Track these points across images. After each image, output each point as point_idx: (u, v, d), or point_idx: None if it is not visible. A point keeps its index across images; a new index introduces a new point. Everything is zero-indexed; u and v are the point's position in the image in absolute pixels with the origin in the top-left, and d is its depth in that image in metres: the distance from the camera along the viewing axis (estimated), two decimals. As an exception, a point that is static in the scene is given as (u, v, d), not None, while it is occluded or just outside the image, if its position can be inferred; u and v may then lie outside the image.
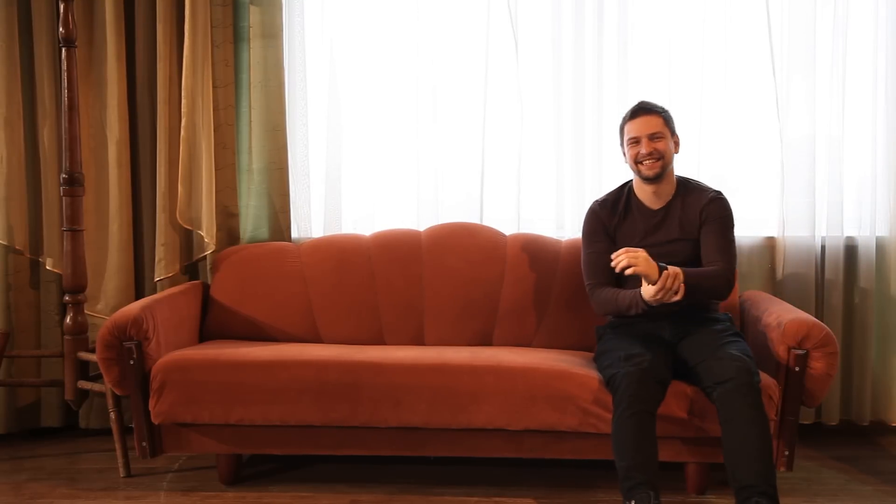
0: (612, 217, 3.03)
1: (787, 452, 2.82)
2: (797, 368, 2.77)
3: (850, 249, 3.61)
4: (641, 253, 2.69)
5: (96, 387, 3.27)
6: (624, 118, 3.02)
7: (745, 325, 3.20)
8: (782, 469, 2.82)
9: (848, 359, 3.60)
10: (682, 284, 2.67)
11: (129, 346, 2.88)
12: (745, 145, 3.63)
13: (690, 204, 2.98)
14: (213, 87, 3.53)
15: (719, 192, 3.01)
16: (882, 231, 3.59)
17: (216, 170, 3.55)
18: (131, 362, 2.89)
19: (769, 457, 2.54)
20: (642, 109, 2.96)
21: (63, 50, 3.31)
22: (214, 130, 3.54)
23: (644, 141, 2.92)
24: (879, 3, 3.54)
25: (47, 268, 3.61)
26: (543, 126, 3.68)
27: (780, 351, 2.81)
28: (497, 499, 2.94)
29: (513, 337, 3.36)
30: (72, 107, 3.31)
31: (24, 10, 3.56)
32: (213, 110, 3.53)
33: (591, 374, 2.84)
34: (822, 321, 2.94)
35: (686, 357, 2.81)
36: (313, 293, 3.43)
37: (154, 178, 3.59)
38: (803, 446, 3.37)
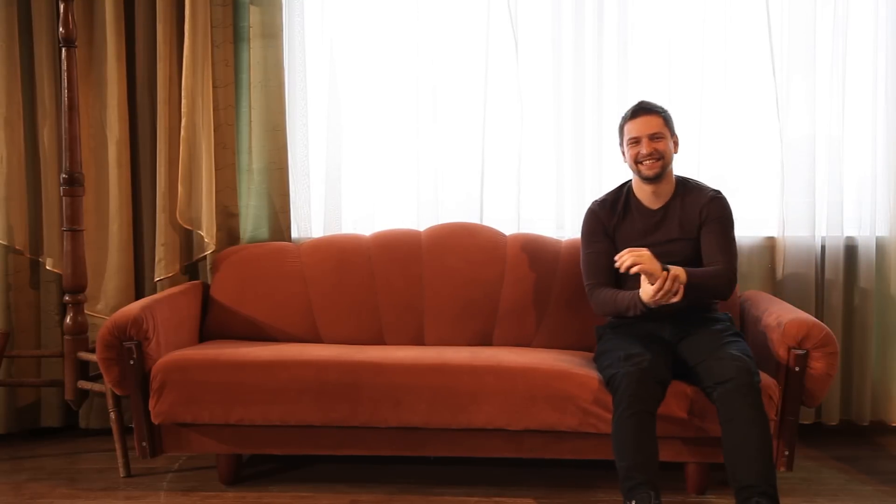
0: (612, 217, 3.03)
1: (787, 452, 2.82)
2: (797, 368, 2.77)
3: (850, 249, 3.61)
4: (645, 252, 2.69)
5: (96, 387, 3.27)
6: (623, 118, 3.02)
7: (745, 325, 3.20)
8: (782, 469, 2.82)
9: (848, 359, 3.60)
10: (681, 286, 2.67)
11: (129, 346, 2.88)
12: (745, 145, 3.63)
13: (690, 203, 2.98)
14: (213, 87, 3.53)
15: (718, 192, 3.01)
16: (882, 231, 3.59)
17: (216, 170, 3.55)
18: (131, 362, 2.89)
19: (769, 457, 2.54)
20: (642, 109, 2.96)
21: (63, 50, 3.31)
22: (214, 130, 3.54)
23: (644, 141, 2.92)
24: (879, 3, 3.54)
25: (47, 268, 3.61)
26: (543, 126, 3.68)
27: (780, 351, 2.81)
28: (497, 499, 2.94)
29: (513, 337, 3.36)
30: (72, 107, 3.31)
31: (24, 10, 3.57)
32: (213, 110, 3.53)
33: (591, 374, 2.85)
34: (822, 321, 2.94)
35: (686, 357, 2.81)
36: (313, 293, 3.43)
37: (154, 178, 3.59)
38: (803, 446, 3.37)
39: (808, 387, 2.79)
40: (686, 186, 3.03)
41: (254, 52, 3.54)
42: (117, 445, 3.17)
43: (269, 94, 3.55)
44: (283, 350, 3.09)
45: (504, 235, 3.51)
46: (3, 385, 3.54)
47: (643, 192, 3.02)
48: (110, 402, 3.16)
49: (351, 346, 3.26)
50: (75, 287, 3.34)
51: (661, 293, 2.66)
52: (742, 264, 3.51)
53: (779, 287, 3.57)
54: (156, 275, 3.56)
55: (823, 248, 3.59)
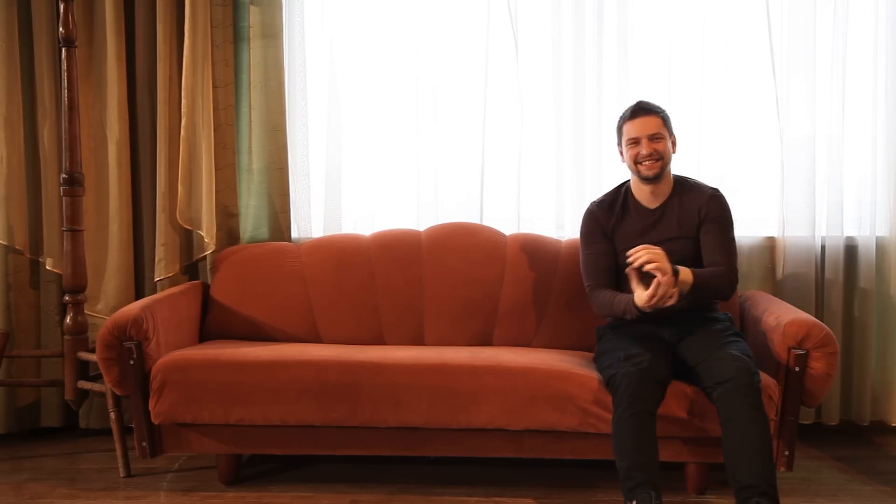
0: (610, 217, 3.04)
1: (787, 452, 2.82)
2: (797, 368, 2.77)
3: (850, 249, 3.61)
4: (661, 251, 2.71)
5: (96, 387, 3.27)
6: (622, 118, 3.02)
7: (745, 325, 3.20)
8: (782, 469, 2.82)
9: (848, 359, 3.60)
10: (676, 290, 2.68)
11: (129, 346, 2.88)
12: (745, 145, 3.63)
13: (688, 203, 2.98)
14: (213, 87, 3.53)
15: (716, 190, 3.02)
16: (882, 231, 3.59)
17: (216, 170, 3.55)
18: (131, 362, 2.89)
19: (769, 457, 2.54)
20: (642, 110, 2.96)
21: (63, 50, 3.31)
22: (214, 130, 3.54)
23: (644, 142, 2.92)
24: (879, 3, 3.54)
25: (47, 268, 3.61)
26: (543, 126, 3.68)
27: (780, 351, 2.81)
28: (497, 499, 2.94)
29: (513, 337, 3.36)
30: (72, 107, 3.31)
31: (24, 10, 3.57)
32: (213, 110, 3.53)
33: (591, 375, 2.84)
34: (822, 321, 2.94)
35: (686, 357, 2.82)
36: (313, 293, 3.43)
37: (154, 178, 3.59)
38: (803, 446, 3.37)
39: (808, 387, 2.79)
40: (684, 186, 3.03)
41: (254, 52, 3.54)
42: (117, 445, 3.17)
43: (269, 94, 3.55)
44: (283, 350, 3.09)
45: (504, 235, 3.51)
46: (3, 385, 3.54)
47: (641, 192, 3.02)
48: (110, 402, 3.16)
49: (351, 346, 3.26)
50: (75, 287, 3.34)
51: (655, 299, 2.66)
52: (742, 264, 3.51)
53: (779, 287, 3.57)
54: (156, 275, 3.56)
55: (823, 248, 3.59)
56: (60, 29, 3.29)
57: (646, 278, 2.73)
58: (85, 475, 3.20)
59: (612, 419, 2.66)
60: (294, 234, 3.69)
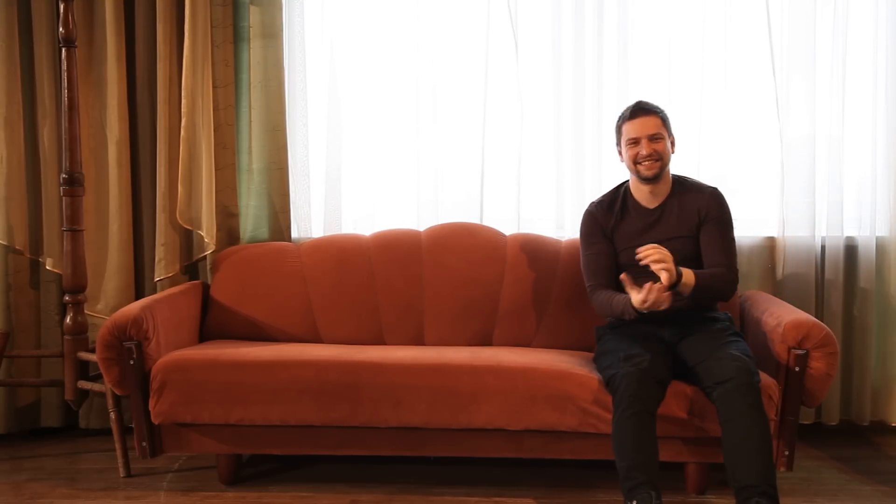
0: (609, 218, 3.04)
1: (787, 452, 2.82)
2: (797, 368, 2.77)
3: (850, 249, 3.61)
4: (668, 252, 2.71)
5: (96, 387, 3.27)
6: (621, 118, 3.02)
7: (745, 325, 3.20)
8: (782, 469, 2.82)
9: (848, 359, 3.60)
10: (668, 294, 2.68)
11: (129, 346, 2.88)
12: (745, 145, 3.63)
13: (688, 202, 2.99)
14: (213, 87, 3.53)
15: (715, 189, 3.02)
16: (882, 231, 3.59)
17: (216, 170, 3.55)
18: (131, 362, 2.89)
19: (769, 457, 2.54)
20: (641, 110, 2.96)
21: (63, 50, 3.31)
22: (214, 130, 3.54)
23: (644, 142, 2.92)
24: (879, 3, 3.54)
25: (47, 268, 3.61)
26: (543, 126, 3.68)
27: (780, 351, 2.81)
28: (497, 499, 2.94)
29: (513, 337, 3.36)
30: (72, 107, 3.31)
31: (24, 10, 3.56)
32: (213, 110, 3.53)
33: (591, 375, 2.85)
34: (821, 321, 2.93)
35: (686, 357, 2.82)
36: (313, 293, 3.43)
37: (154, 178, 3.59)
38: (803, 446, 3.37)
39: (808, 387, 2.79)
40: (683, 185, 3.04)
41: (254, 52, 3.54)
42: (117, 445, 3.17)
43: (269, 94, 3.55)
44: (283, 350, 3.09)
45: (504, 235, 3.51)
46: (3, 385, 3.54)
47: (640, 192, 3.02)
48: (110, 402, 3.16)
49: (351, 346, 3.26)
50: (75, 287, 3.34)
51: (647, 304, 2.67)
52: (742, 264, 3.51)
53: (779, 287, 3.57)
54: (156, 275, 3.56)
55: (823, 248, 3.59)
56: (60, 29, 3.29)
57: (639, 279, 2.73)
58: (85, 475, 3.20)
59: (612, 419, 2.66)
60: (294, 234, 3.69)
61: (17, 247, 3.59)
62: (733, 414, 2.56)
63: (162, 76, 3.53)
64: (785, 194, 3.57)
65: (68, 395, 3.35)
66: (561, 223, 3.68)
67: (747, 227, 3.56)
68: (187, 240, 3.63)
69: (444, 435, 2.90)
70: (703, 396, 2.73)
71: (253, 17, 3.53)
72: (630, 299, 2.76)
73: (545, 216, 3.71)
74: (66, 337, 3.34)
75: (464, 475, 3.13)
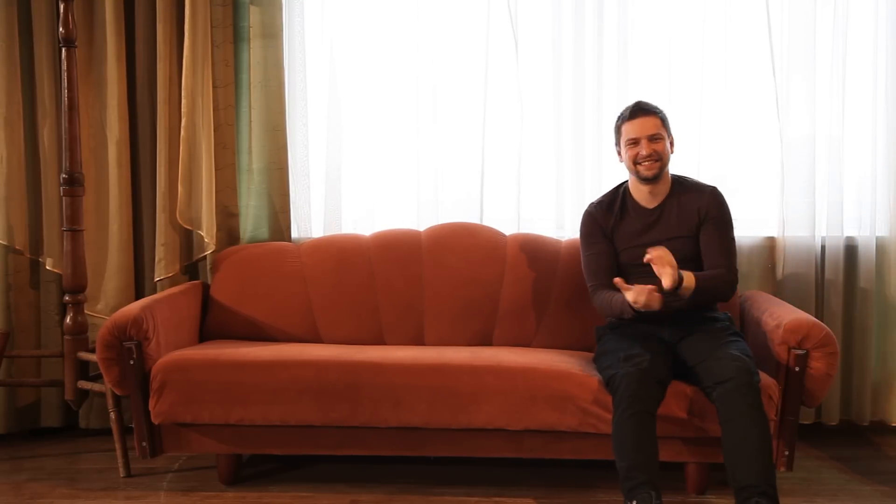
0: (609, 218, 3.04)
1: (787, 452, 2.82)
2: (797, 368, 2.77)
3: (850, 249, 3.61)
4: (674, 261, 2.71)
5: (96, 387, 3.27)
6: (621, 118, 3.01)
7: (745, 325, 3.20)
8: (782, 469, 2.82)
9: (848, 359, 3.60)
10: (659, 296, 2.68)
11: (129, 346, 2.88)
12: (745, 145, 3.63)
13: (687, 202, 2.99)
14: (213, 87, 3.53)
15: (715, 188, 3.02)
16: (882, 231, 3.59)
17: (216, 170, 3.55)
18: (131, 362, 2.89)
19: (769, 456, 2.54)
20: (641, 110, 2.96)
21: (63, 50, 3.31)
22: (214, 130, 3.54)
23: (644, 142, 2.92)
24: (879, 3, 3.54)
25: (47, 268, 3.61)
26: (543, 126, 3.68)
27: (780, 351, 2.81)
28: (497, 499, 2.94)
29: (513, 337, 3.36)
30: (72, 107, 3.31)
31: (24, 10, 3.57)
32: (213, 110, 3.53)
33: (591, 375, 2.85)
34: (821, 321, 2.93)
35: (686, 357, 2.82)
36: (313, 293, 3.43)
37: (154, 178, 3.59)
38: (803, 446, 3.37)
39: (808, 387, 2.79)
40: (682, 185, 3.04)
41: (254, 52, 3.54)
42: (117, 445, 3.17)
43: (269, 94, 3.55)
44: (283, 350, 3.09)
45: (504, 235, 3.51)
46: (3, 385, 3.54)
47: (640, 192, 3.02)
48: (110, 402, 3.16)
49: (351, 346, 3.26)
50: (75, 287, 3.34)
51: (639, 305, 2.68)
52: (742, 264, 3.51)
53: (779, 287, 3.57)
54: (156, 275, 3.56)
55: (823, 248, 3.59)
56: (60, 29, 3.29)
57: (639, 280, 2.73)
58: (85, 475, 3.20)
59: (612, 419, 2.66)
60: (294, 234, 3.69)
61: (17, 247, 3.59)
62: (733, 414, 2.56)
63: (162, 76, 3.53)
64: (785, 194, 3.57)
65: (68, 395, 3.35)
66: (561, 223, 3.68)
67: (747, 227, 3.56)
68: (187, 240, 3.63)
69: (444, 435, 2.90)
70: (702, 396, 2.73)
71: (253, 17, 3.53)
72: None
73: (545, 216, 3.71)
74: (66, 337, 3.34)
75: (464, 475, 3.13)
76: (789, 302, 3.26)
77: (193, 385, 2.89)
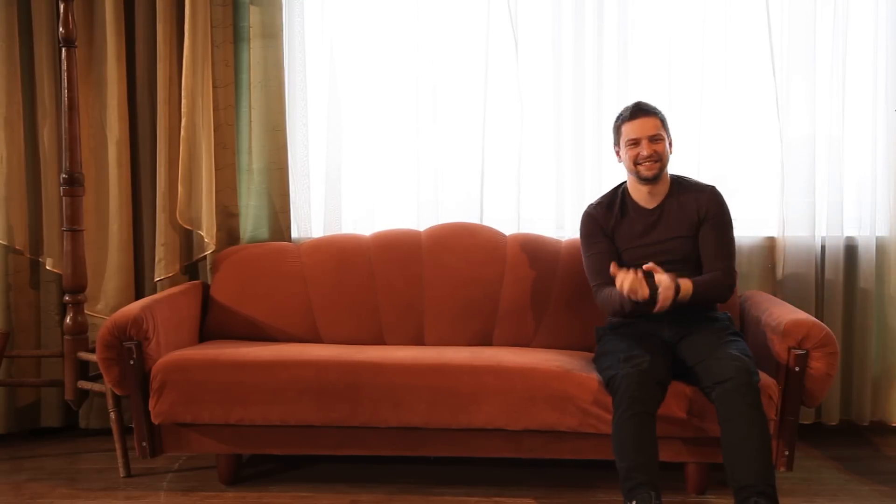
0: (609, 218, 3.04)
1: (786, 452, 2.82)
2: (797, 368, 2.77)
3: (850, 249, 3.61)
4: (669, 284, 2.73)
5: (96, 387, 3.27)
6: (621, 118, 3.01)
7: (745, 325, 3.20)
8: (782, 469, 2.82)
9: (848, 359, 3.60)
10: (644, 282, 2.69)
11: (129, 346, 2.88)
12: (745, 145, 3.63)
13: (686, 202, 2.99)
14: (213, 87, 3.53)
15: (714, 188, 3.03)
16: (882, 231, 3.59)
17: (216, 170, 3.55)
18: (131, 362, 2.89)
19: (768, 456, 2.54)
20: (641, 111, 2.96)
21: (63, 50, 3.31)
22: (214, 130, 3.54)
23: (644, 143, 2.92)
24: (879, 3, 3.54)
25: (47, 268, 3.61)
26: (543, 126, 3.68)
27: (780, 351, 2.81)
28: (497, 499, 2.94)
29: (513, 337, 3.36)
30: (72, 107, 3.31)
31: (24, 10, 3.56)
32: (213, 110, 3.53)
33: (591, 375, 2.84)
34: (822, 321, 2.93)
35: (685, 357, 2.82)
36: (313, 293, 3.43)
37: (154, 178, 3.59)
38: (803, 446, 3.37)
39: (808, 387, 2.79)
40: (681, 185, 3.04)
41: (254, 52, 3.54)
42: (117, 445, 3.17)
43: (269, 94, 3.55)
44: (283, 350, 3.09)
45: (504, 235, 3.51)
46: (3, 385, 3.54)
47: (639, 193, 3.02)
48: (110, 402, 3.16)
49: (351, 346, 3.26)
50: (75, 287, 3.34)
51: (626, 291, 2.69)
52: (742, 264, 3.52)
53: (779, 287, 3.57)
54: (156, 275, 3.56)
55: (823, 248, 3.59)
56: (60, 29, 3.29)
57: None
58: (85, 475, 3.20)
59: (612, 420, 2.66)
60: (294, 234, 3.69)
61: (17, 247, 3.59)
62: (732, 414, 2.56)
63: (162, 76, 3.53)
64: (785, 194, 3.57)
65: (68, 395, 3.35)
66: (561, 223, 3.68)
67: (747, 227, 3.56)
68: (187, 240, 3.63)
69: (444, 435, 2.90)
70: (702, 396, 2.73)
71: (253, 17, 3.53)
72: (621, 297, 2.77)
73: (545, 216, 3.71)
74: (66, 337, 3.34)
75: (464, 475, 3.13)
76: (789, 302, 3.26)
77: (193, 385, 2.89)
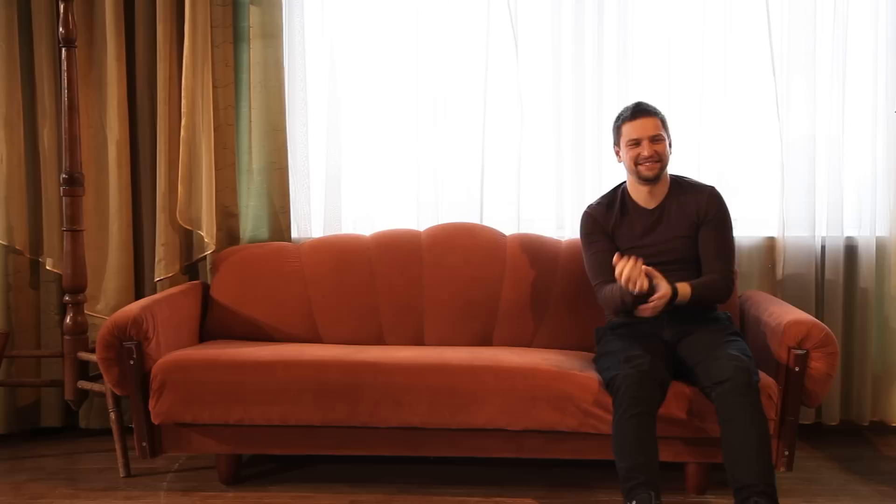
0: (610, 218, 3.04)
1: (787, 452, 2.82)
2: (797, 368, 2.77)
3: (850, 249, 3.61)
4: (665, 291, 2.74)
5: (96, 387, 3.27)
6: (621, 118, 3.01)
7: (745, 325, 3.20)
8: (782, 469, 2.82)
9: (848, 359, 3.60)
10: (644, 272, 2.69)
11: (129, 346, 2.88)
12: (745, 145, 3.63)
13: (686, 202, 2.99)
14: (213, 87, 3.53)
15: (713, 188, 3.03)
16: (882, 231, 3.59)
17: (216, 170, 3.55)
18: (131, 362, 2.89)
19: (768, 456, 2.54)
20: (642, 111, 2.96)
21: (63, 50, 3.31)
22: (214, 130, 3.54)
23: (645, 143, 2.93)
24: (879, 3, 3.54)
25: (47, 268, 3.61)
26: (543, 126, 3.68)
27: (780, 351, 2.81)
28: (497, 499, 2.94)
29: (513, 337, 3.35)
30: (72, 107, 3.31)
31: (24, 10, 3.57)
32: (213, 110, 3.53)
33: (591, 376, 2.84)
34: (822, 321, 2.93)
35: (685, 357, 2.82)
36: (313, 293, 3.43)
37: (154, 178, 3.59)
38: (803, 446, 3.37)
39: (808, 387, 2.79)
40: (681, 185, 3.04)
41: (254, 53, 3.54)
42: (117, 445, 3.17)
43: (269, 94, 3.55)
44: (282, 350, 3.09)
45: (504, 235, 3.51)
46: (3, 385, 3.54)
47: (639, 193, 3.02)
48: (110, 402, 3.16)
49: (351, 346, 3.26)
50: (75, 287, 3.34)
51: (624, 278, 2.67)
52: (742, 264, 3.52)
53: (779, 287, 3.57)
54: (156, 275, 3.56)
55: (823, 248, 3.59)
56: (60, 29, 3.29)
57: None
58: (85, 475, 3.20)
59: (613, 421, 2.66)
60: (294, 234, 3.69)
61: (17, 247, 3.59)
62: (732, 414, 2.56)
63: (162, 76, 3.53)
64: (785, 194, 3.57)
65: (68, 395, 3.35)
66: (561, 223, 3.68)
67: (747, 227, 3.57)
68: (187, 240, 3.63)
69: (444, 435, 2.90)
70: (702, 397, 2.72)
71: (253, 17, 3.53)
72: (620, 288, 2.76)
73: (545, 216, 3.71)
74: (66, 337, 3.34)
75: (464, 475, 3.13)
76: (789, 302, 3.26)
77: (193, 385, 2.89)
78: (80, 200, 3.33)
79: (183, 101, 3.50)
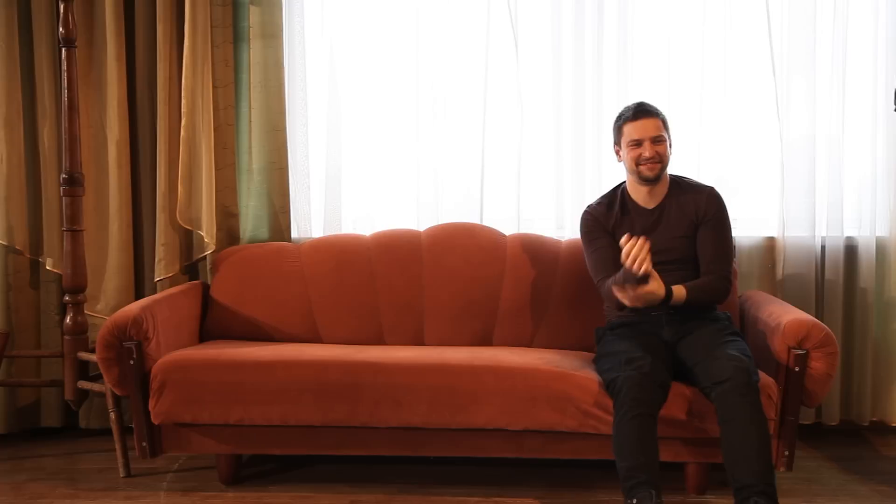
0: (610, 217, 3.04)
1: (786, 452, 2.82)
2: (797, 368, 2.77)
3: (850, 249, 3.61)
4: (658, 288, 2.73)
5: (96, 387, 3.27)
6: (622, 118, 3.01)
7: (745, 325, 3.20)
8: (782, 469, 2.82)
9: (848, 359, 3.60)
10: (646, 258, 2.66)
11: (129, 346, 2.88)
12: (745, 145, 3.63)
13: (686, 202, 2.99)
14: (213, 87, 3.53)
15: (713, 188, 3.03)
16: (882, 231, 3.59)
17: (216, 170, 3.55)
18: (131, 362, 2.89)
19: (768, 456, 2.54)
20: (644, 112, 2.96)
21: (63, 50, 3.31)
22: (214, 130, 3.54)
23: (647, 144, 2.93)
24: (879, 3, 3.54)
25: (47, 268, 3.61)
26: (543, 126, 3.68)
27: (780, 351, 2.81)
28: (497, 499, 2.94)
29: (513, 337, 3.36)
30: (72, 107, 3.31)
31: (24, 10, 3.57)
32: (213, 110, 3.53)
33: (592, 376, 2.84)
34: (821, 321, 2.93)
35: (685, 357, 2.82)
36: (313, 293, 3.43)
37: (154, 178, 3.59)
38: (803, 446, 3.37)
39: (808, 387, 2.79)
40: (680, 185, 3.05)
41: (254, 52, 3.54)
42: (117, 445, 3.17)
43: (269, 94, 3.55)
44: (282, 350, 3.09)
45: (504, 235, 3.51)
46: (3, 385, 3.54)
47: (639, 193, 3.03)
48: (110, 402, 3.16)
49: (351, 346, 3.26)
50: (75, 287, 3.34)
51: (627, 258, 2.65)
52: (742, 264, 3.52)
53: (779, 287, 3.57)
54: (156, 275, 3.56)
55: (823, 248, 3.59)
56: (60, 29, 3.29)
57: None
58: (85, 475, 3.20)
59: (614, 422, 2.66)
60: (294, 234, 3.69)
61: (17, 247, 3.59)
62: (732, 414, 2.56)
63: (162, 76, 3.53)
64: (785, 194, 3.57)
65: (68, 395, 3.35)
66: (561, 223, 3.68)
67: (747, 227, 3.57)
68: (187, 240, 3.63)
69: (444, 435, 2.90)
70: (702, 397, 2.72)
71: (253, 17, 3.53)
72: (623, 269, 2.74)
73: (545, 216, 3.71)
74: (66, 337, 3.34)
75: (464, 475, 3.13)
76: (789, 302, 3.26)
77: (193, 385, 2.89)
78: (80, 200, 3.33)
79: (183, 101, 3.50)
